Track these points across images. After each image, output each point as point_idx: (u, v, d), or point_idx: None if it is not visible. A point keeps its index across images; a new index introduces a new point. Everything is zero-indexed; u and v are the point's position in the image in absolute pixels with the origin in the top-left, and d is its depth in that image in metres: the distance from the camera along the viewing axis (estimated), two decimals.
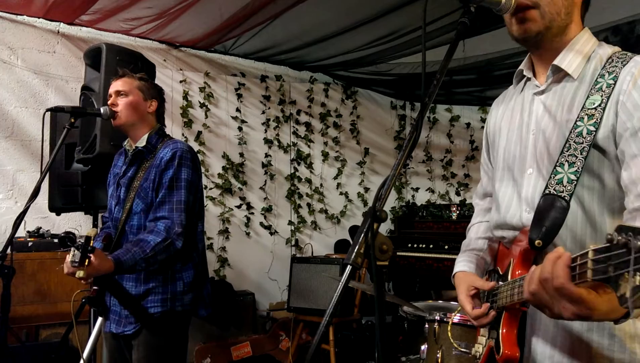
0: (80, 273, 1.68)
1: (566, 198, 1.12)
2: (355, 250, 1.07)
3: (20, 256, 3.17)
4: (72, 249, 1.69)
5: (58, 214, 3.02)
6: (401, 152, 1.12)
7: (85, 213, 3.18)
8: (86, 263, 1.69)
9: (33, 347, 3.03)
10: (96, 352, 2.57)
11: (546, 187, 1.16)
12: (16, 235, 2.00)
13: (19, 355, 2.88)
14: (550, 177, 1.16)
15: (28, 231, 3.45)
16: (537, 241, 1.13)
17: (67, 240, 1.68)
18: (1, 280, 1.97)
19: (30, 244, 3.30)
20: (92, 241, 1.72)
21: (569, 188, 1.12)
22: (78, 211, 3.32)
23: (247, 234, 4.94)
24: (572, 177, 1.13)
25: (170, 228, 1.94)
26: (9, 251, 1.95)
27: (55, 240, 3.33)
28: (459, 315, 2.38)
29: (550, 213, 1.13)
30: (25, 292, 3.17)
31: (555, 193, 1.14)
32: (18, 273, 2.11)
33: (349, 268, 1.06)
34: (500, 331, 1.22)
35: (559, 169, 1.15)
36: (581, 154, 1.13)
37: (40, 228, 3.48)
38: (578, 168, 1.12)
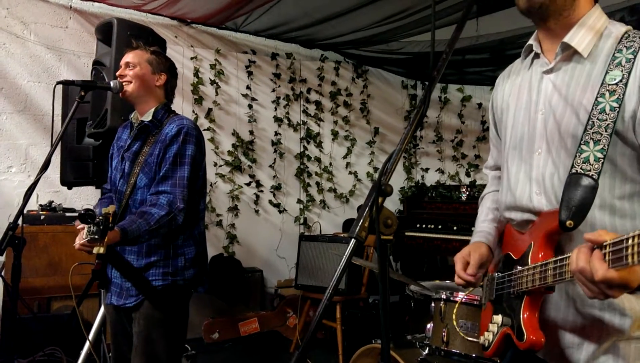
0: (100, 249, 1.71)
1: (594, 176, 1.11)
2: (360, 224, 1.07)
3: (33, 229, 3.22)
4: (91, 225, 1.71)
5: (70, 188, 3.06)
6: (407, 126, 1.11)
7: (97, 188, 3.22)
8: (105, 240, 1.72)
9: (44, 318, 3.10)
10: (106, 325, 2.62)
11: (572, 166, 1.15)
12: (29, 209, 2.02)
13: (30, 326, 2.94)
14: (576, 156, 1.15)
15: (40, 205, 3.50)
16: (568, 222, 1.11)
17: (87, 217, 1.70)
18: (12, 250, 2.01)
19: (42, 217, 3.35)
20: (110, 219, 1.75)
21: (596, 166, 1.12)
22: (89, 186, 3.36)
23: (256, 212, 4.96)
24: (599, 155, 1.12)
25: (173, 202, 1.96)
26: (19, 222, 1.98)
27: (68, 214, 3.38)
28: (465, 294, 2.38)
29: (578, 192, 1.12)
30: (37, 264, 3.23)
31: (582, 171, 1.13)
32: (31, 245, 2.15)
33: (353, 241, 1.06)
34: (522, 316, 1.19)
35: (584, 147, 1.14)
36: (606, 131, 1.12)
37: (52, 201, 3.53)
38: (604, 146, 1.12)
